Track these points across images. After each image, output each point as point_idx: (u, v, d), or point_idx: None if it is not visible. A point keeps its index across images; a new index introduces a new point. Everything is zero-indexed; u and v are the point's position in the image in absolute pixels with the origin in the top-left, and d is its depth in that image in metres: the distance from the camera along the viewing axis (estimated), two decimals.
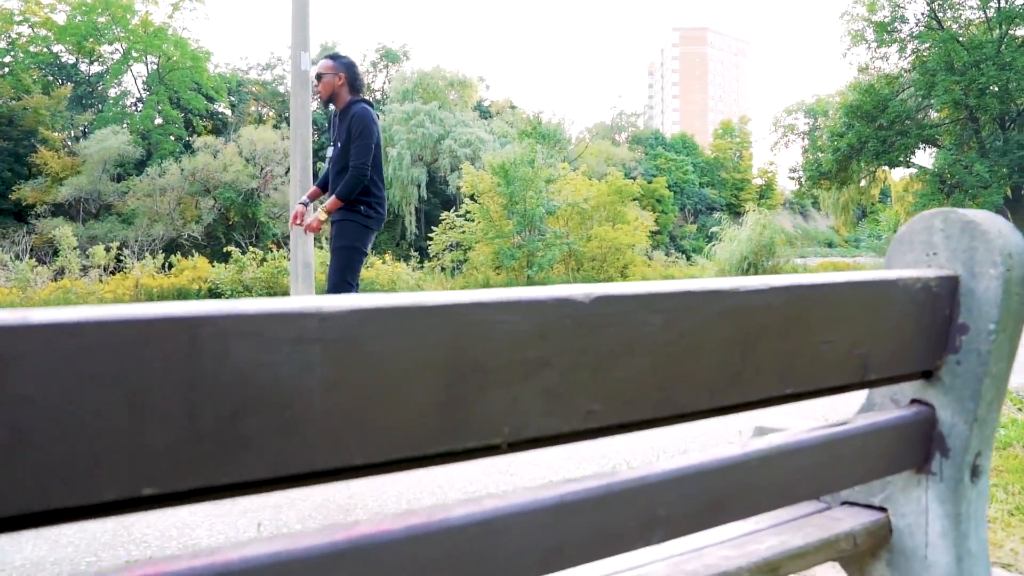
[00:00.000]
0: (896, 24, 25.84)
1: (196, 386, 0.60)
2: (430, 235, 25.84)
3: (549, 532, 0.80)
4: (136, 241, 33.35)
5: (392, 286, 20.42)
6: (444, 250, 24.83)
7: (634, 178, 32.92)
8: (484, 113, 53.71)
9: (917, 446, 1.17)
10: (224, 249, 36.30)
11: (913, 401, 1.20)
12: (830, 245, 73.14)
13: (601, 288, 0.79)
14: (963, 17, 25.76)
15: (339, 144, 4.17)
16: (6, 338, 0.51)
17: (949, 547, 1.16)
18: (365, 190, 4.07)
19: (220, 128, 45.21)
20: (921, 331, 1.11)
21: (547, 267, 23.86)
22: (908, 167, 31.76)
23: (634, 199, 29.12)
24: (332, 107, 4.31)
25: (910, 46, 25.39)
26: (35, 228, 33.67)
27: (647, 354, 0.83)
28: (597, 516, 0.84)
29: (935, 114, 27.74)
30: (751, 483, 0.97)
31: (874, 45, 26.77)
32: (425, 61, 58.54)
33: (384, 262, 21.62)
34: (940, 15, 25.38)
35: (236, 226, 37.19)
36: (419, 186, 44.51)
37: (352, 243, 4.04)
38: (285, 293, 18.15)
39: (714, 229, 28.77)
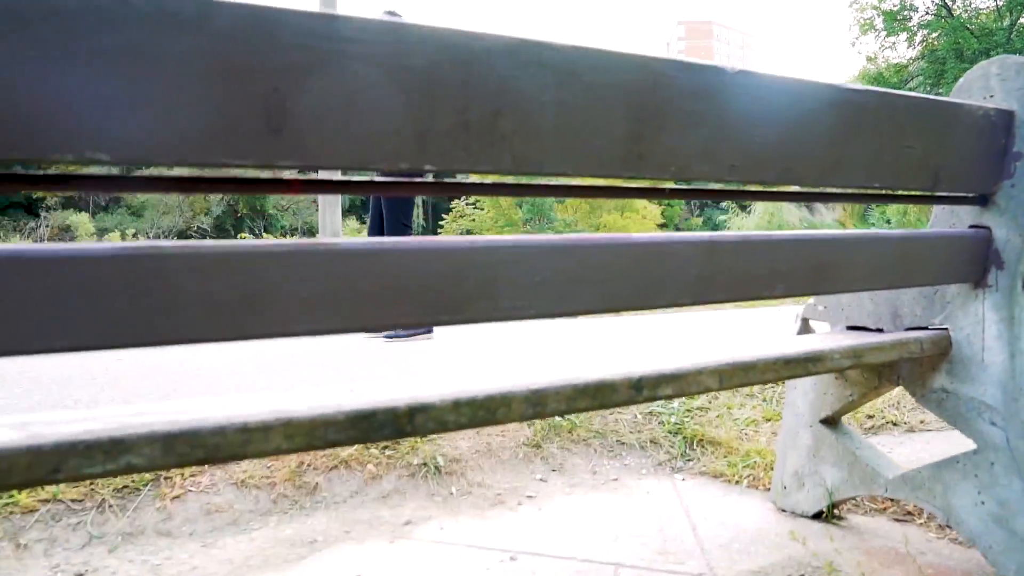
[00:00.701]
0: (905, 12, 25.85)
1: (469, 87, 0.79)
2: (439, 223, 26.01)
3: (703, 263, 1.00)
4: (146, 233, 33.66)
5: None
6: None
7: None
8: None
9: (975, 262, 1.36)
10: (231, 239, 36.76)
11: (971, 226, 1.40)
12: None
13: (743, 67, 0.98)
14: (972, 5, 25.80)
15: None
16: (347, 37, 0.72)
17: (1003, 347, 1.35)
18: None
19: None
20: (982, 155, 1.30)
21: None
22: None
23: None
24: None
25: (919, 34, 25.41)
26: (48, 220, 33.97)
27: (774, 128, 1.02)
28: (736, 260, 1.04)
29: None
30: (847, 260, 1.17)
31: (883, 34, 26.76)
32: None
33: None
34: (950, 3, 25.40)
35: (245, 218, 37.38)
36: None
37: (402, 208, 4.29)
38: None
39: (721, 218, 28.88)
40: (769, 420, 2.35)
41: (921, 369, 1.49)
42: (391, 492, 1.86)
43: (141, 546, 1.58)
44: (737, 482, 1.96)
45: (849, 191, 1.19)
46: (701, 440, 2.19)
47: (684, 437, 2.20)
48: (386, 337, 4.36)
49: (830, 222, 74.98)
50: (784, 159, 1.04)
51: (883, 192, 1.22)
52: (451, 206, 24.96)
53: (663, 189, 1.01)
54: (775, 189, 1.07)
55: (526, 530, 1.66)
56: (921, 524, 1.66)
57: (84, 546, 1.55)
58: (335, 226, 7.40)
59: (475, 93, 0.79)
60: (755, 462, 2.01)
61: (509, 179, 0.88)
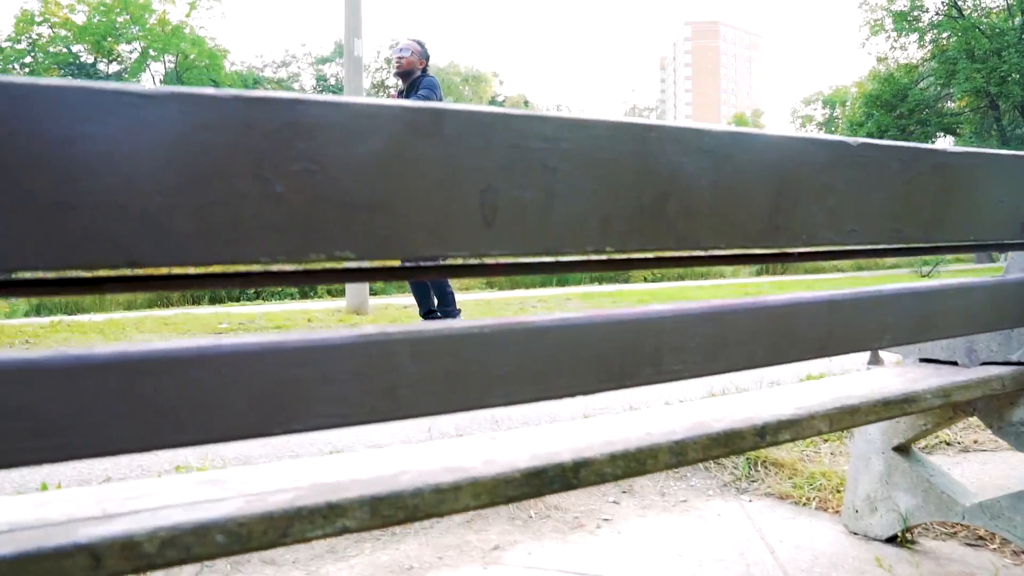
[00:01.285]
0: (916, 12, 25.92)
1: (643, 174, 0.87)
2: None
3: (825, 319, 1.08)
4: None
5: None
6: None
7: None
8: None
9: None
10: None
11: None
12: None
13: (866, 139, 1.06)
14: (983, 4, 25.83)
15: None
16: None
17: None
18: None
19: None
20: None
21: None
22: None
23: None
24: (400, 83, 4.67)
25: (930, 35, 25.45)
26: None
27: (887, 192, 1.10)
28: (852, 315, 1.11)
29: (952, 103, 27.81)
30: (945, 309, 1.24)
31: (893, 34, 26.85)
32: (439, 57, 58.73)
33: None
34: (960, 3, 25.46)
35: None
36: None
37: None
38: None
39: None
40: (827, 441, 2.42)
41: (999, 403, 1.56)
42: (474, 517, 1.94)
43: (248, 574, 1.65)
44: (805, 503, 2.03)
45: (949, 244, 1.26)
46: (764, 461, 2.26)
47: (747, 458, 2.27)
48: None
49: None
50: (895, 220, 1.12)
51: (979, 243, 1.30)
52: None
53: (792, 253, 1.09)
54: (883, 247, 1.15)
55: (611, 554, 1.74)
56: (995, 549, 1.73)
57: (197, 574, 1.63)
58: (362, 294, 7.51)
59: (648, 179, 0.87)
60: (821, 484, 2.08)
61: (670, 253, 0.96)
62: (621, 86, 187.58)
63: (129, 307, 13.23)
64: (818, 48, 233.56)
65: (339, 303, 10.62)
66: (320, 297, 17.42)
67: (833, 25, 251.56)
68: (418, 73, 4.60)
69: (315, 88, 51.40)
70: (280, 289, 17.32)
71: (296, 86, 51.19)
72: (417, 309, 4.96)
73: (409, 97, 4.55)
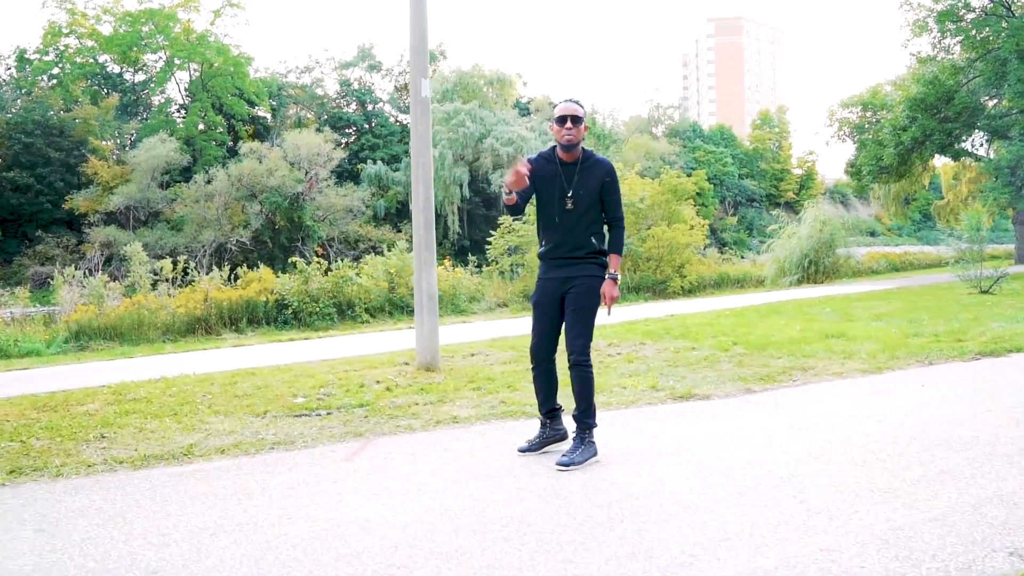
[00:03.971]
0: (961, 12, 25.05)
1: None
2: (485, 236, 25.66)
3: None
4: (187, 248, 33.67)
5: (453, 291, 20.23)
6: (502, 254, 24.68)
7: (689, 174, 32.37)
8: (523, 111, 53.42)
9: None
10: (271, 252, 36.78)
11: None
12: (872, 234, 71.97)
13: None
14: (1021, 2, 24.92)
15: (579, 194, 3.89)
16: None
17: None
18: (603, 239, 3.98)
19: (261, 132, 45.44)
20: None
21: None
22: (977, 160, 30.88)
23: (688, 198, 28.74)
24: (562, 154, 3.98)
25: (977, 35, 24.57)
26: (87, 236, 34.11)
27: None
28: None
29: (991, 103, 26.90)
30: None
31: (938, 35, 25.99)
32: (462, 60, 58.32)
33: (445, 268, 21.44)
34: (1009, 1, 24.57)
35: (282, 230, 37.33)
36: (461, 185, 44.46)
37: (598, 299, 3.89)
38: (350, 304, 18.07)
39: (772, 227, 28.19)
40: None
41: None
42: None
43: None
44: None
45: None
46: None
47: None
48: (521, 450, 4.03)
49: (865, 217, 73.98)
50: None
51: None
52: (499, 221, 24.58)
53: None
54: None
55: None
56: None
57: None
58: (431, 287, 6.99)
59: None
60: None
61: None
62: (644, 84, 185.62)
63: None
64: (843, 43, 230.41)
65: (399, 339, 10.16)
66: (369, 325, 16.99)
67: (857, 20, 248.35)
68: (582, 145, 3.97)
69: (339, 93, 51.13)
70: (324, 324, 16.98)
71: (319, 91, 50.94)
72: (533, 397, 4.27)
73: (581, 179, 3.89)
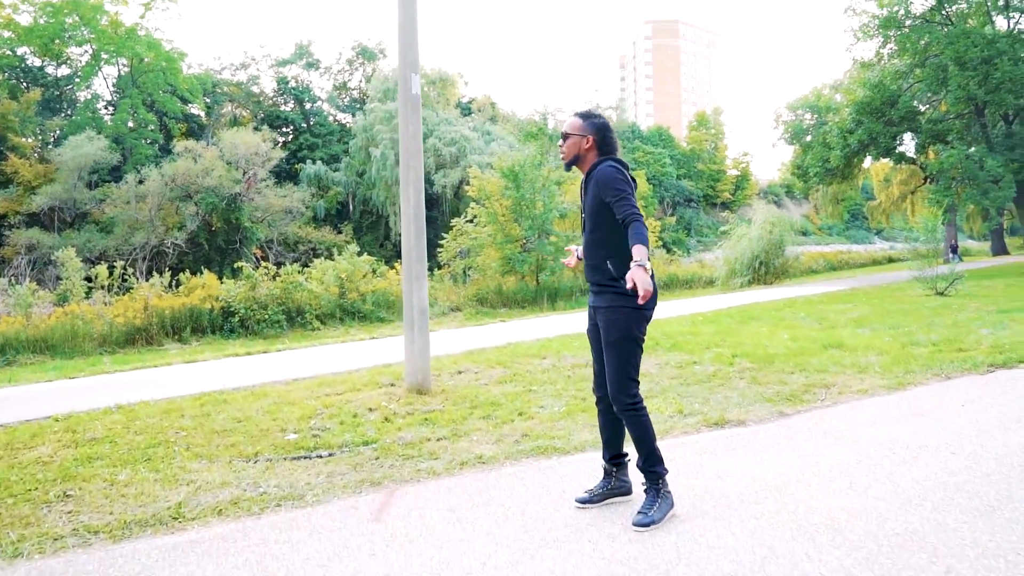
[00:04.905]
0: (904, 19, 25.46)
1: None
2: (428, 236, 24.97)
3: None
4: (117, 250, 31.96)
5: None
6: (454, 257, 24.05)
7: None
8: (465, 110, 52.75)
9: None
10: (207, 255, 35.25)
11: None
12: (804, 233, 73.85)
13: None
14: (960, 10, 25.47)
15: (585, 214, 3.42)
16: None
17: None
18: (630, 261, 3.34)
19: (196, 131, 43.68)
20: None
21: (559, 270, 23.22)
22: (913, 163, 31.56)
23: (640, 200, 28.62)
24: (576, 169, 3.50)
25: (920, 41, 25.01)
26: (7, 239, 32.09)
27: None
28: None
29: (927, 108, 27.44)
30: None
31: (880, 40, 26.39)
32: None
33: (397, 272, 20.68)
34: (947, 9, 25.07)
35: (219, 232, 35.85)
36: None
37: (629, 333, 3.27)
38: (300, 310, 17.17)
39: (724, 229, 28.25)
40: None
41: None
42: None
43: None
44: None
45: None
46: None
47: None
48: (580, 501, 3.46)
49: (798, 217, 75.73)
50: None
51: None
52: (451, 224, 23.93)
53: None
54: None
55: None
56: None
57: None
58: (422, 301, 6.36)
59: None
60: None
61: None
62: (584, 85, 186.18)
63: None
64: (774, 48, 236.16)
65: (364, 353, 9.43)
66: (321, 333, 16.12)
67: (787, 26, 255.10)
68: (593, 160, 3.42)
69: (276, 91, 49.57)
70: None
71: (255, 89, 49.29)
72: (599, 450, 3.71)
73: (588, 195, 3.38)
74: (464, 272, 24.67)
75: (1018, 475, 3.72)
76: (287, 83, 49.49)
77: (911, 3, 25.80)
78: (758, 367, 7.15)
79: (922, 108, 27.39)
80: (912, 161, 30.79)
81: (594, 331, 3.50)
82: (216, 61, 70.20)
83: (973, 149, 24.14)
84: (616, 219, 3.26)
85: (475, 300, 21.62)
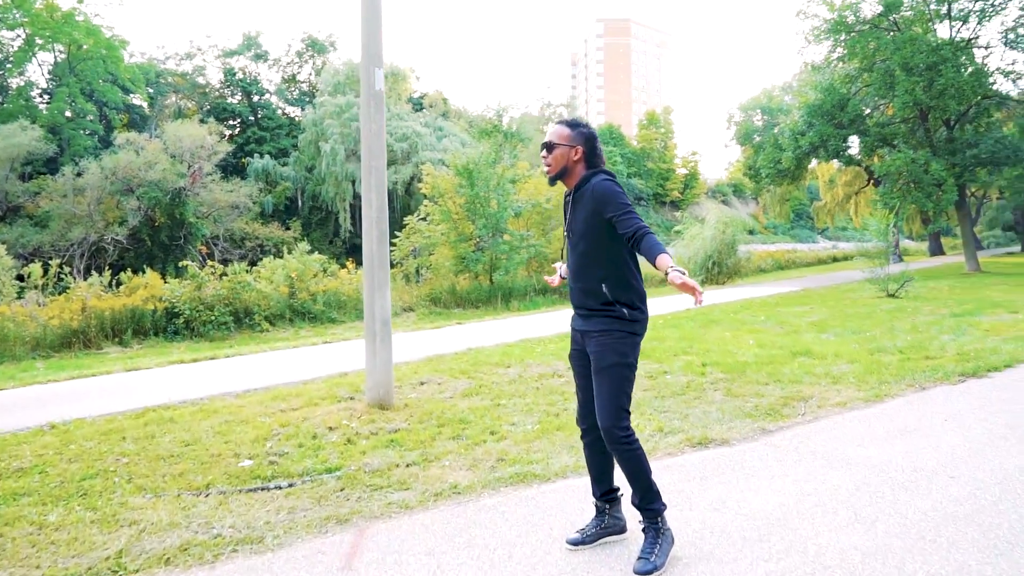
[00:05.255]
0: (855, 24, 25.79)
1: None
2: (391, 242, 24.44)
3: None
4: (52, 246, 30.63)
5: (358, 295, 19.05)
6: (407, 256, 23.58)
7: None
8: (417, 105, 52.12)
9: None
10: (150, 252, 34.05)
11: None
12: (751, 232, 75.10)
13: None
14: (906, 17, 25.92)
15: (572, 232, 3.10)
16: None
17: None
18: (626, 283, 3.05)
19: (138, 122, 42.25)
20: None
21: (514, 270, 22.94)
22: (859, 166, 32.10)
23: None
24: (562, 184, 3.15)
25: (868, 46, 25.36)
26: None
27: None
28: None
29: (872, 112, 27.91)
30: None
31: (831, 44, 26.72)
32: (354, 52, 56.02)
33: (349, 271, 20.16)
34: (894, 16, 25.47)
35: (163, 227, 34.65)
36: (353, 182, 42.75)
37: (623, 359, 2.97)
38: (248, 311, 16.54)
39: (678, 228, 28.34)
40: None
41: None
42: None
43: None
44: None
45: None
46: None
47: None
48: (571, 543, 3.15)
49: (744, 216, 77.04)
50: None
51: None
52: (404, 222, 23.45)
53: None
54: None
55: None
56: None
57: None
58: (385, 311, 6.00)
59: None
60: None
61: None
62: (536, 82, 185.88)
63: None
64: (722, 50, 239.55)
65: (318, 358, 8.97)
66: (270, 335, 15.54)
67: (735, 28, 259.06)
68: (581, 173, 3.09)
69: (223, 83, 48.24)
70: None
71: (201, 80, 47.89)
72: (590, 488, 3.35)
73: (576, 213, 3.07)
74: (417, 271, 24.23)
75: (1022, 505, 3.56)
76: (234, 75, 48.17)
77: (860, 8, 26.14)
78: (731, 377, 6.96)
79: (867, 111, 27.80)
80: (859, 164, 31.31)
81: (580, 357, 3.19)
82: (160, 50, 68.22)
83: (918, 153, 24.56)
84: (611, 238, 2.98)
85: (428, 300, 21.20)
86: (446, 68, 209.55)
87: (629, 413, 3.00)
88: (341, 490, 3.89)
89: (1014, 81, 26.18)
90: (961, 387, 6.55)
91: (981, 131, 26.49)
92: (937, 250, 46.01)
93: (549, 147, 3.11)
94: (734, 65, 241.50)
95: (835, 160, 30.15)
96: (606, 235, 2.98)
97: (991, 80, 25.58)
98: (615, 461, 3.06)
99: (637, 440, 2.99)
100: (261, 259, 21.52)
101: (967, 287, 19.02)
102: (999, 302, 14.27)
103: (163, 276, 20.00)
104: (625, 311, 3.01)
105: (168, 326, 15.38)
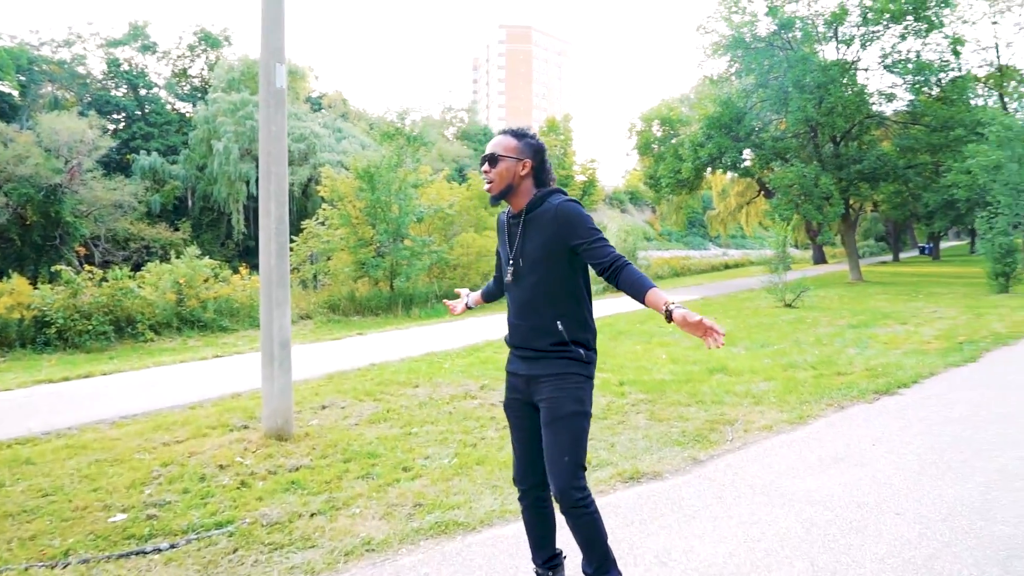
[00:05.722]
0: (752, 42, 26.53)
1: None
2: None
3: None
4: None
5: (252, 303, 18.08)
6: (304, 261, 22.60)
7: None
8: (316, 106, 50.63)
9: None
10: (20, 252, 31.55)
11: None
12: (647, 239, 76.96)
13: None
14: (795, 37, 26.89)
15: (521, 261, 2.63)
16: None
17: None
18: (583, 321, 2.67)
19: (7, 112, 39.12)
20: None
21: (415, 276, 22.38)
22: (753, 177, 33.11)
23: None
24: (505, 203, 2.70)
25: (764, 63, 26.14)
26: None
27: None
28: None
29: (760, 125, 28.89)
30: None
31: (728, 59, 27.41)
32: (250, 48, 53.82)
33: (242, 276, 19.11)
34: (787, 34, 26.36)
35: (35, 227, 32.20)
36: (248, 182, 41.05)
37: (581, 407, 2.58)
38: (131, 320, 15.34)
39: None
40: None
41: None
42: None
43: None
44: None
45: None
46: None
47: None
48: None
49: (640, 223, 78.99)
50: None
51: None
52: (302, 226, 22.49)
53: None
54: None
55: None
56: None
57: None
58: (284, 332, 5.43)
59: None
60: None
61: None
62: (437, 85, 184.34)
63: None
64: (621, 60, 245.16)
65: (208, 374, 8.15)
66: (155, 344, 14.39)
67: (633, 40, 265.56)
68: (531, 191, 2.66)
69: (106, 74, 45.43)
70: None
71: (81, 70, 44.94)
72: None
73: (529, 236, 2.61)
74: (315, 277, 23.30)
75: (974, 543, 3.38)
76: (119, 66, 45.39)
77: (756, 27, 26.92)
78: (652, 398, 6.72)
79: (757, 126, 28.65)
80: (754, 176, 32.30)
81: (520, 408, 2.74)
82: (34, 35, 63.49)
83: (809, 167, 25.48)
84: (572, 269, 2.58)
85: (326, 307, 20.36)
86: (346, 68, 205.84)
87: (585, 470, 2.61)
88: (234, 551, 3.33)
89: (890, 100, 27.58)
90: (877, 405, 6.53)
91: (864, 148, 27.78)
92: (820, 259, 48.15)
93: (492, 160, 2.65)
94: (633, 75, 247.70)
95: (731, 171, 30.99)
96: (567, 265, 2.58)
97: (871, 100, 26.90)
98: (568, 524, 2.63)
99: (594, 501, 2.60)
100: (147, 262, 20.14)
101: (855, 296, 19.77)
102: (888, 313, 14.78)
103: (34, 281, 18.39)
104: (581, 352, 2.61)
105: (38, 336, 14.07)
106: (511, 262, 2.67)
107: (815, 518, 3.74)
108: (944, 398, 6.72)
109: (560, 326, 2.58)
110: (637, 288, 2.36)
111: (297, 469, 4.60)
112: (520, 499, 2.82)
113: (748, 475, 4.50)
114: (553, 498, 2.60)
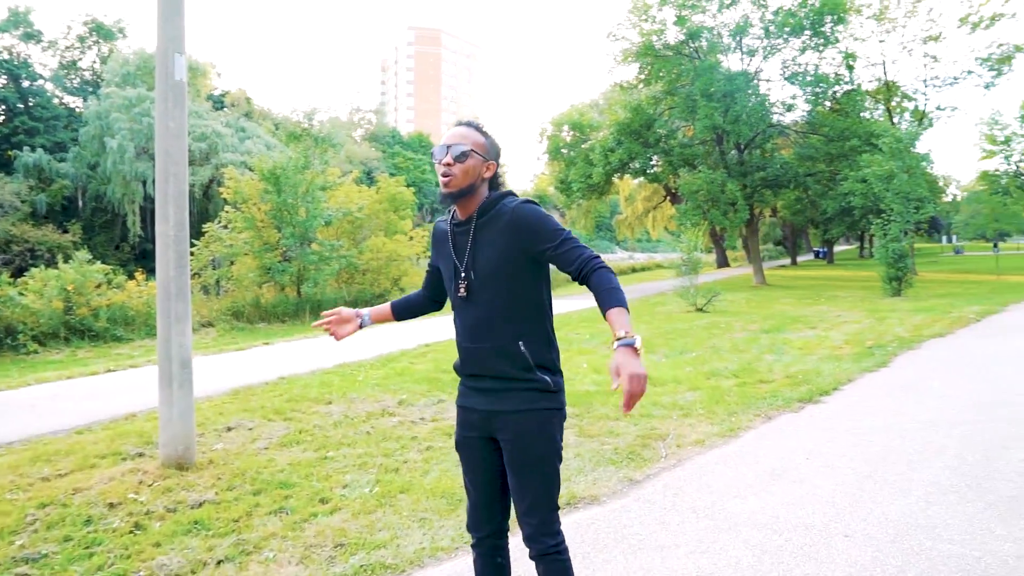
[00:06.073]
0: (661, 50, 27.00)
1: None
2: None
3: None
4: None
5: (148, 310, 17.02)
6: (206, 266, 21.51)
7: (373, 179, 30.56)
8: (218, 104, 48.72)
9: None
10: None
11: None
12: None
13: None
14: (703, 47, 27.57)
15: (473, 273, 2.27)
16: None
17: None
18: (548, 340, 2.32)
19: None
20: None
21: (323, 282, 21.67)
22: (659, 181, 33.71)
23: (407, 208, 27.79)
24: (452, 206, 2.41)
25: (672, 71, 26.64)
26: None
27: None
28: None
29: (666, 133, 29.56)
30: None
31: (638, 66, 27.82)
32: (146, 41, 51.25)
33: (138, 283, 17.98)
34: (694, 44, 26.97)
35: None
36: (144, 182, 39.15)
37: (554, 445, 2.25)
38: (12, 330, 14.16)
39: None
40: None
41: None
42: None
43: None
44: None
45: None
46: None
47: None
48: None
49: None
50: None
51: None
52: (203, 229, 21.40)
53: None
54: None
55: None
56: None
57: None
58: (184, 350, 4.93)
59: None
60: None
61: None
62: (344, 85, 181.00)
63: None
64: (530, 64, 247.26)
65: (99, 390, 7.44)
66: (39, 357, 13.27)
67: (544, 44, 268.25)
68: (484, 193, 2.33)
69: None
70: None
71: None
72: None
73: (483, 240, 2.27)
74: (217, 283, 22.24)
75: (926, 565, 3.26)
76: None
77: (664, 35, 27.39)
78: (579, 412, 6.49)
79: (666, 132, 29.20)
80: (662, 181, 32.87)
81: (477, 448, 2.39)
82: None
83: (716, 173, 26.08)
84: (535, 280, 2.27)
85: (230, 314, 19.41)
86: (250, 66, 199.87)
87: (558, 511, 2.31)
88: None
89: (790, 110, 28.62)
90: (803, 414, 6.51)
91: (767, 156, 28.68)
92: (724, 262, 49.62)
93: (463, 154, 2.29)
94: (543, 80, 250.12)
95: (640, 177, 31.45)
96: (529, 276, 2.26)
97: (773, 110, 27.81)
98: (537, 571, 2.31)
99: (567, 548, 2.30)
100: (32, 266, 18.68)
101: (761, 301, 20.27)
102: (796, 317, 15.12)
103: None
104: (548, 379, 2.28)
105: None
106: (463, 276, 2.32)
107: (764, 544, 3.56)
108: (866, 405, 6.77)
109: (522, 347, 2.25)
110: (605, 299, 2.07)
111: (200, 505, 4.12)
112: (474, 546, 2.48)
113: (688, 496, 4.31)
114: (524, 542, 2.29)
